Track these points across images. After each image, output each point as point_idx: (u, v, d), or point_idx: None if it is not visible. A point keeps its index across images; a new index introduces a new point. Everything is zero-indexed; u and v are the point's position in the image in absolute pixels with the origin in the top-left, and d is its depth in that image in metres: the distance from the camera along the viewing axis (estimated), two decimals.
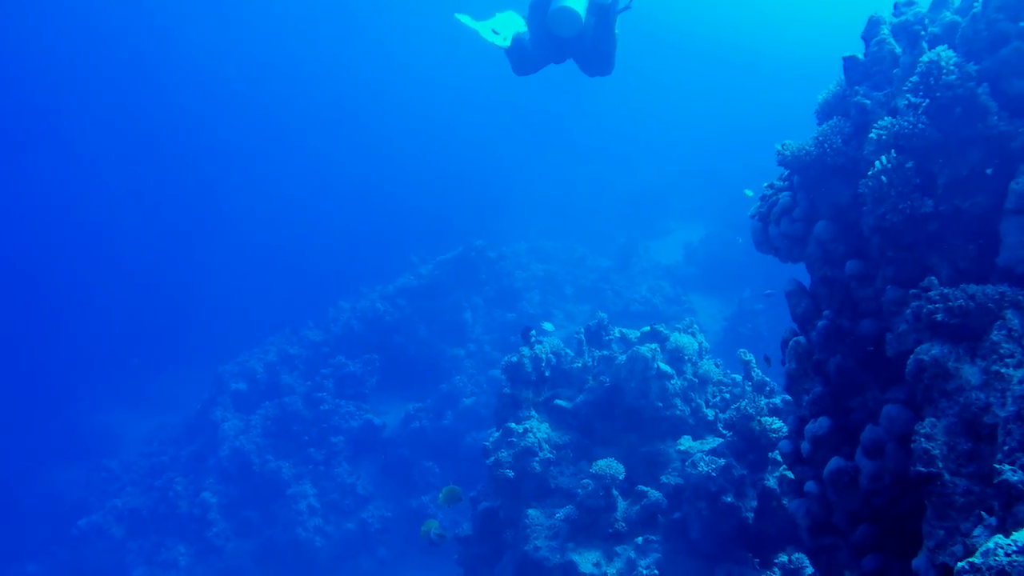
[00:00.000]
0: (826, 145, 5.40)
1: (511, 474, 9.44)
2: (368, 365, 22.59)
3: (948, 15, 5.08)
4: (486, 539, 10.52)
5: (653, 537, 8.55)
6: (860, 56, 5.68)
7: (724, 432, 9.46)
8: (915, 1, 5.33)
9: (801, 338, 5.56)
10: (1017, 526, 2.96)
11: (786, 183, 6.10)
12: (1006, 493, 3.08)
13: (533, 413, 10.25)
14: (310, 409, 21.46)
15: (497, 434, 10.03)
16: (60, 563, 20.86)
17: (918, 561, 3.49)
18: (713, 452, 8.44)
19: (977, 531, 3.24)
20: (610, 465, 8.90)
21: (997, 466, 3.20)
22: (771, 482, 8.27)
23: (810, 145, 5.46)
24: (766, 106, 40.59)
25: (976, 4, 4.63)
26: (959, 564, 2.70)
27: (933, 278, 4.09)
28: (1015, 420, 3.32)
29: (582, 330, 10.91)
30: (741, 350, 10.19)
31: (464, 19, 6.94)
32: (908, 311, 4.21)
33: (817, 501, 5.36)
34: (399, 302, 24.07)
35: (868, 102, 5.33)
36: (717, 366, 10.18)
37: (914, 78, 4.56)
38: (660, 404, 9.53)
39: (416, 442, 20.61)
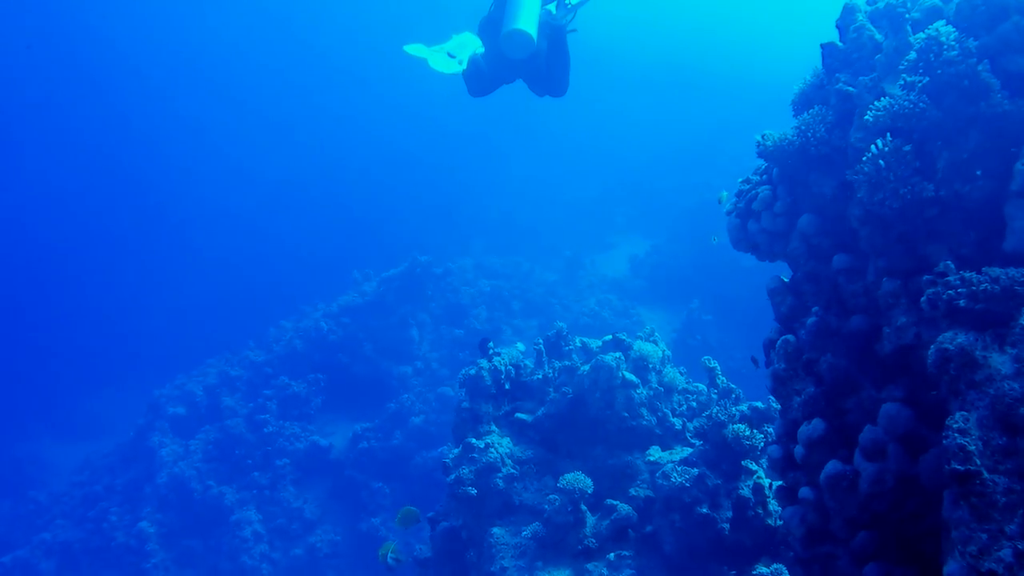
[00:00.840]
0: (809, 134, 5.17)
1: (474, 492, 9.01)
2: (313, 385, 21.93)
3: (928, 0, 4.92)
4: (447, 561, 10.06)
5: (625, 552, 8.21)
6: (838, 43, 5.49)
7: (693, 441, 9.20)
8: None
9: (790, 337, 5.30)
10: None
11: (764, 177, 5.86)
12: None
13: (494, 428, 9.85)
14: (253, 432, 20.71)
15: (457, 450, 9.61)
16: None
17: (952, 568, 3.20)
18: (685, 462, 8.16)
19: None
20: (578, 479, 8.55)
21: None
22: (745, 491, 8.03)
23: (792, 135, 5.23)
24: (700, 123, 41.14)
25: None
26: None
27: (949, 263, 3.84)
28: None
29: (541, 341, 10.56)
30: (705, 357, 10.00)
31: (414, 49, 6.67)
32: (923, 300, 3.95)
33: (813, 508, 5.08)
34: (343, 320, 23.44)
35: (852, 89, 5.11)
36: (681, 374, 9.93)
37: (911, 56, 4.36)
38: (626, 414, 9.23)
39: (365, 463, 20.02)
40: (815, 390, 5.09)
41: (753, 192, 5.76)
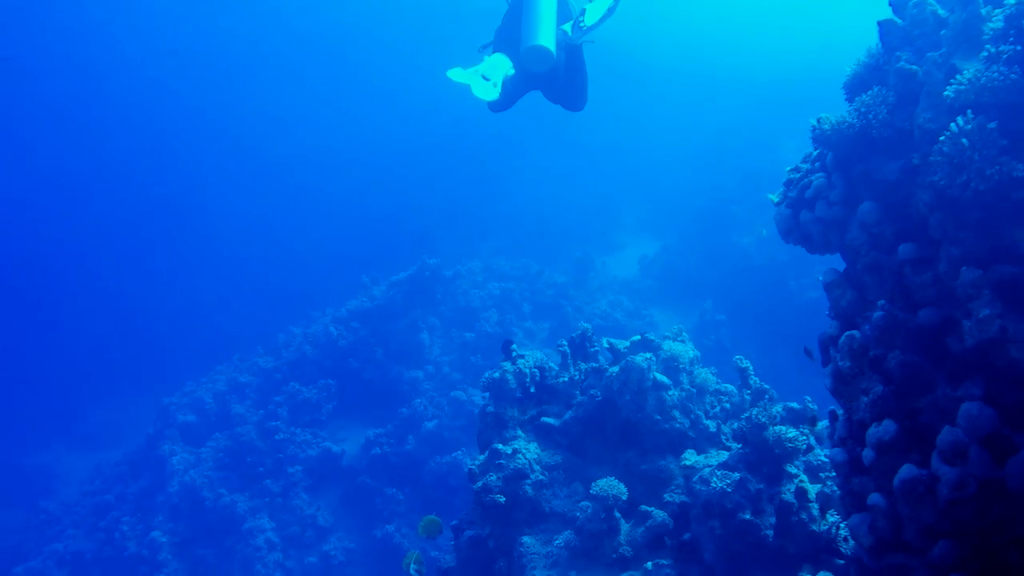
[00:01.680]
0: (870, 116, 4.85)
1: (502, 499, 8.68)
2: (323, 391, 21.63)
3: None
4: (472, 570, 9.71)
5: (664, 562, 7.87)
6: (896, 20, 5.17)
7: (730, 444, 8.87)
8: None
9: (855, 333, 4.96)
10: None
11: (816, 164, 5.53)
12: None
13: (519, 433, 9.52)
14: (264, 439, 20.39)
15: (483, 457, 9.27)
16: None
17: None
18: (724, 466, 7.82)
19: None
20: (611, 485, 8.22)
21: None
22: (788, 496, 7.69)
23: (852, 118, 4.90)
24: (709, 122, 40.79)
25: None
26: None
27: None
28: None
29: (565, 342, 10.23)
30: (737, 357, 9.65)
31: (457, 75, 6.45)
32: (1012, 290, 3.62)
33: (884, 515, 4.75)
34: (353, 325, 23.14)
35: (916, 67, 4.79)
36: (713, 375, 9.60)
37: (995, 25, 4.03)
38: (658, 417, 8.89)
39: (377, 469, 19.69)
40: (884, 389, 4.76)
41: (805, 180, 5.43)
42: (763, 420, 7.66)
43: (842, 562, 7.74)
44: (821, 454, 8.72)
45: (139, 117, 53.62)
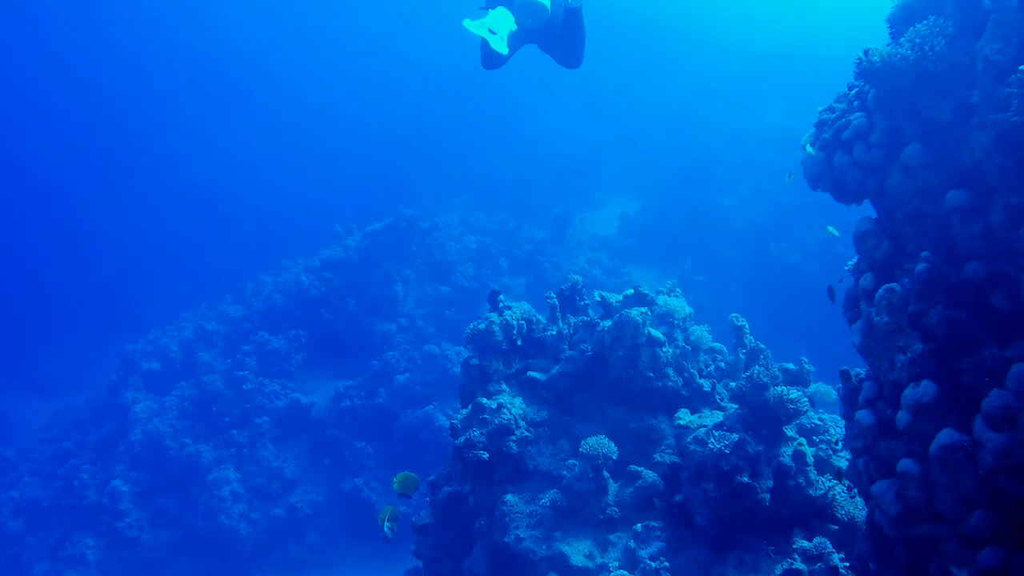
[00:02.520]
0: (926, 48, 4.40)
1: (486, 456, 8.28)
2: (293, 342, 21.07)
3: None
4: (450, 528, 9.37)
5: (654, 524, 7.56)
6: None
7: (725, 404, 8.54)
8: None
9: (895, 286, 4.56)
10: None
11: (854, 103, 5.08)
12: None
13: (504, 387, 9.11)
14: (231, 389, 19.85)
15: (465, 411, 8.85)
16: None
17: None
18: (722, 427, 7.47)
19: None
20: (602, 444, 7.85)
21: None
22: (786, 459, 7.38)
23: (906, 48, 4.44)
24: (692, 79, 40.25)
25: None
26: None
27: None
28: None
29: (554, 294, 9.78)
30: (733, 315, 9.30)
31: (473, 27, 6.18)
32: None
33: (916, 483, 4.40)
34: (325, 275, 22.52)
35: None
36: (708, 332, 9.23)
37: None
38: (651, 374, 8.51)
39: (347, 422, 19.31)
40: (923, 347, 4.38)
41: (843, 120, 4.98)
42: (765, 380, 7.31)
43: (836, 528, 7.48)
44: (815, 417, 8.43)
45: (107, 47, 51.73)
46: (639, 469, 8.05)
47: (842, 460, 8.17)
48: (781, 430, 7.45)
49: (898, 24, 4.88)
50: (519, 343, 9.32)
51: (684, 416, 8.14)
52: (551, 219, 28.20)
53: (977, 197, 4.34)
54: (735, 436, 7.24)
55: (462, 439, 8.47)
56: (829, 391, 9.61)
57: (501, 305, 9.44)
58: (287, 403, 19.62)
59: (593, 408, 8.95)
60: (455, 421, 8.80)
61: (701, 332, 9.06)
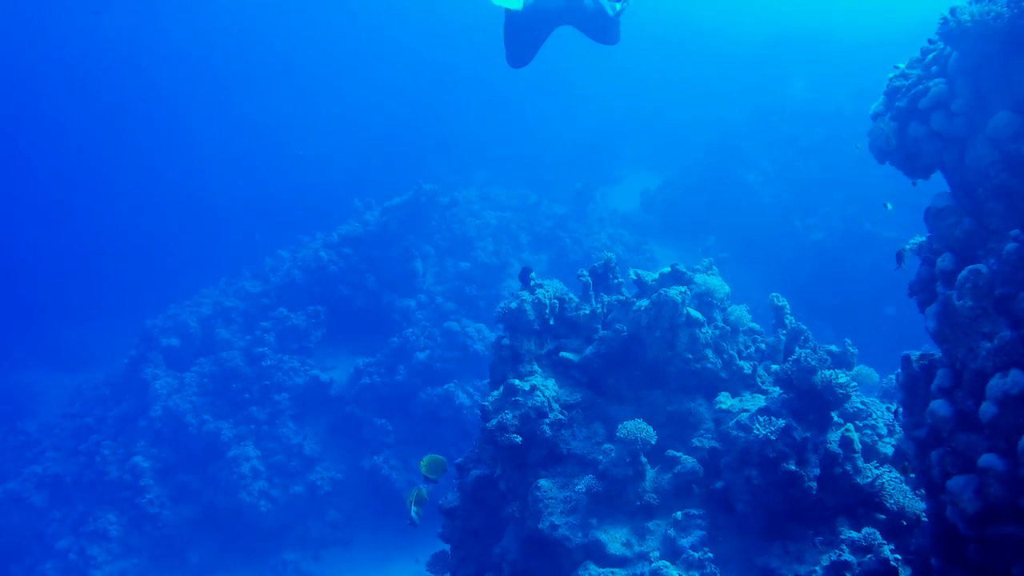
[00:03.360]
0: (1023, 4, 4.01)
1: (519, 439, 8.00)
2: (313, 318, 20.85)
3: None
4: (479, 512, 9.13)
5: (695, 511, 7.27)
6: None
7: (767, 388, 8.22)
8: None
9: (981, 267, 4.21)
10: None
11: (932, 69, 4.70)
12: None
13: (536, 368, 8.82)
14: (250, 365, 19.69)
15: (497, 393, 8.56)
16: None
17: None
18: (766, 411, 7.16)
19: None
20: (640, 428, 7.56)
21: None
22: (834, 446, 7.07)
23: (1000, 5, 4.06)
24: (713, 55, 39.47)
25: None
26: None
27: None
28: None
29: (586, 272, 9.45)
30: (773, 294, 8.98)
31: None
32: None
33: (999, 480, 4.08)
34: (344, 251, 22.21)
35: None
36: (747, 312, 8.89)
37: None
38: (690, 356, 8.19)
39: (367, 399, 19.15)
40: (1012, 334, 4.04)
41: (919, 87, 4.61)
42: (812, 363, 6.99)
43: (883, 517, 7.17)
44: (856, 401, 8.11)
45: (123, 33, 51.39)
46: (677, 454, 7.76)
47: (887, 447, 7.86)
48: (828, 415, 7.13)
49: None
50: (551, 323, 9.02)
51: (725, 400, 7.83)
52: (572, 194, 27.82)
53: None
54: (781, 422, 6.93)
55: (494, 422, 8.19)
56: (872, 374, 9.30)
57: (533, 283, 9.12)
58: (306, 380, 19.46)
59: (628, 390, 8.65)
60: (486, 403, 8.51)
61: (740, 312, 8.72)
